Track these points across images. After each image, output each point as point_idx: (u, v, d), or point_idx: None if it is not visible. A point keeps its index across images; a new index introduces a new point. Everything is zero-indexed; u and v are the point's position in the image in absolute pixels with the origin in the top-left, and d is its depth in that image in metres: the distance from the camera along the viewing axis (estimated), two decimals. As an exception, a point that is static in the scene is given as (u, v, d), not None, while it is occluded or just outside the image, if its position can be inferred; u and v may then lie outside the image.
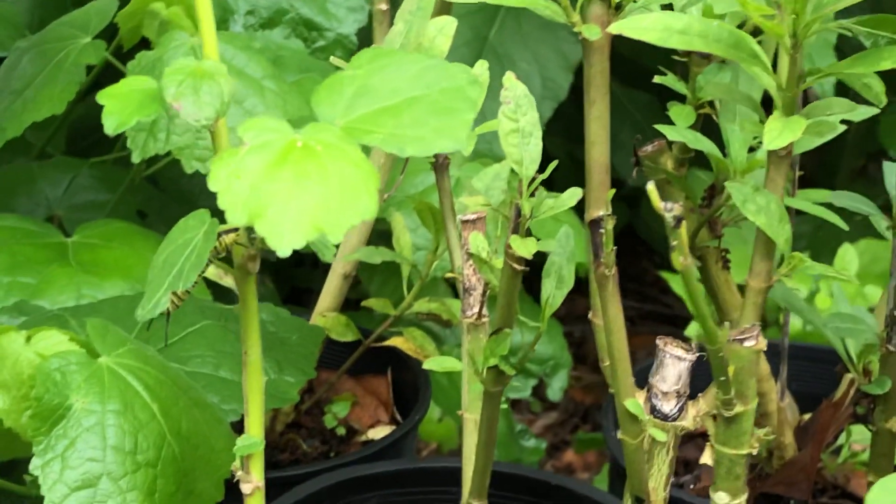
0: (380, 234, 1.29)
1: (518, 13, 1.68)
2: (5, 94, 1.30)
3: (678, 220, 0.62)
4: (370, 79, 0.67)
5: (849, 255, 1.52)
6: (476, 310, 0.98)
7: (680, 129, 1.01)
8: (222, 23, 1.40)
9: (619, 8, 0.76)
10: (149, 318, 0.68)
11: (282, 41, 1.40)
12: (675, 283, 1.61)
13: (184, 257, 0.66)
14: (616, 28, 0.72)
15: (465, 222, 0.98)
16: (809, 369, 1.21)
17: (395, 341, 1.19)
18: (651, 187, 0.63)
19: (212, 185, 0.62)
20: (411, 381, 1.22)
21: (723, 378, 0.71)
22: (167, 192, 1.51)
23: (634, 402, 0.75)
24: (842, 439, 1.10)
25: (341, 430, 1.21)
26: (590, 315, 0.87)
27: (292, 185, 0.62)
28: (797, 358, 1.18)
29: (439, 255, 1.16)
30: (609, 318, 0.75)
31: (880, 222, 0.86)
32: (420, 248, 1.32)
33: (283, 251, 0.61)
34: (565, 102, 1.64)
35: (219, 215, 1.62)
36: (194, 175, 1.17)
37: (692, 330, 1.55)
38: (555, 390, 1.41)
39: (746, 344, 0.70)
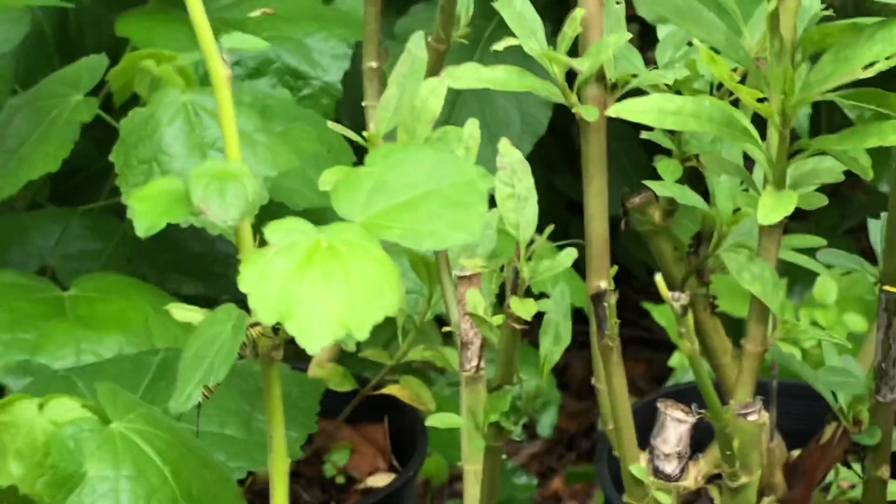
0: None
1: (496, 51, 1.69)
2: (0, 153, 1.32)
3: (685, 308, 0.65)
4: (386, 175, 0.70)
5: (827, 285, 1.55)
6: (474, 363, 1.01)
7: (667, 183, 1.04)
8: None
9: (614, 87, 0.79)
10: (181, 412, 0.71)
11: (268, 90, 1.42)
12: (658, 313, 1.63)
13: (213, 351, 0.69)
14: (614, 111, 0.75)
15: (461, 278, 1.01)
16: (797, 406, 1.23)
17: (391, 389, 1.20)
18: (659, 279, 0.66)
19: (242, 286, 0.65)
20: (408, 427, 1.24)
21: (728, 452, 0.74)
22: (156, 238, 1.52)
23: (639, 467, 0.77)
24: (830, 477, 1.13)
25: (340, 479, 1.22)
26: (592, 381, 0.90)
27: (319, 285, 0.64)
28: (784, 395, 1.20)
29: (433, 305, 1.19)
30: (613, 387, 0.78)
31: (866, 278, 0.89)
32: (410, 292, 1.34)
33: (312, 349, 0.64)
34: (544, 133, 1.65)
35: (208, 265, 1.62)
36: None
37: (675, 360, 1.58)
38: (544, 426, 1.44)
39: (750, 419, 0.73)
